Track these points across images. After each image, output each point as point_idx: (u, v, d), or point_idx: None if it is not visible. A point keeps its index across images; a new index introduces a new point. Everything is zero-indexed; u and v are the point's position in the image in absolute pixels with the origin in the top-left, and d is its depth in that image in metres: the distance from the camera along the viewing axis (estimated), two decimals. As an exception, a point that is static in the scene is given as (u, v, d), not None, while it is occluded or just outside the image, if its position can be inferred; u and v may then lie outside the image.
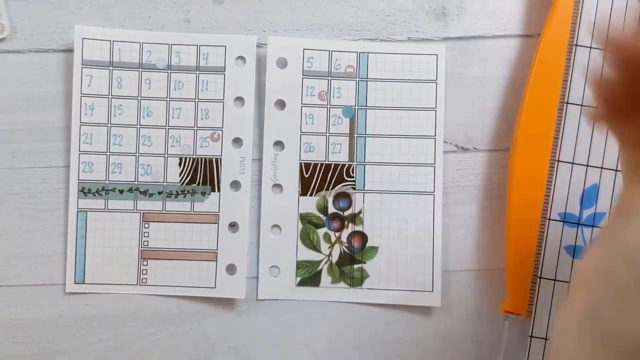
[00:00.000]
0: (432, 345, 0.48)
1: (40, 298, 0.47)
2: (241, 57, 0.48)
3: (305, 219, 0.48)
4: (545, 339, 0.45)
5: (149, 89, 0.48)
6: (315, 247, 0.48)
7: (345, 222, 0.48)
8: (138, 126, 0.48)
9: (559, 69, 0.46)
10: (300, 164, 0.48)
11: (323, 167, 0.48)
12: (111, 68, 0.47)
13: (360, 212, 0.48)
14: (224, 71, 0.48)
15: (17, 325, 0.47)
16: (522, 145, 0.46)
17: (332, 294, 0.48)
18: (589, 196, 0.46)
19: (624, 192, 0.32)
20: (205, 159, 0.48)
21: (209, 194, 0.48)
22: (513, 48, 0.49)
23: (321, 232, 0.48)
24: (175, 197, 0.48)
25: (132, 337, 0.48)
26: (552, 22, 0.46)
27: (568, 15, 0.46)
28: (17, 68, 0.48)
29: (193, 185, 0.48)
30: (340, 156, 0.48)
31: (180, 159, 0.48)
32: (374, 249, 0.48)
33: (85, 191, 0.47)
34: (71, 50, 0.47)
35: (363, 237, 0.48)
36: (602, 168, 0.46)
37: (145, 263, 0.47)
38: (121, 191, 0.47)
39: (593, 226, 0.45)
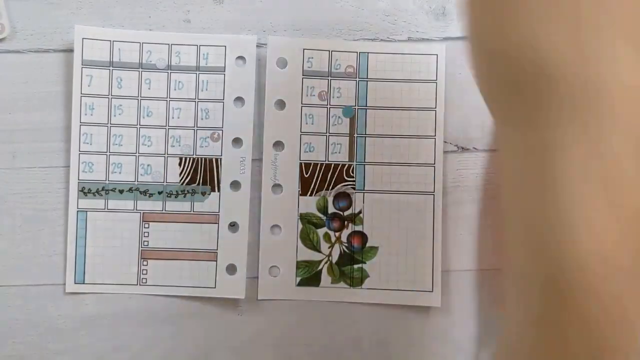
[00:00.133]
0: (432, 345, 0.48)
1: (40, 298, 0.47)
2: (241, 57, 0.48)
3: (305, 219, 0.48)
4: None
5: (149, 89, 0.48)
6: (315, 247, 0.48)
7: (345, 222, 0.48)
8: (138, 126, 0.48)
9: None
10: (300, 164, 0.48)
11: (323, 167, 0.48)
12: (111, 68, 0.47)
13: (360, 212, 0.48)
14: (224, 71, 0.48)
15: (17, 325, 0.47)
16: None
17: (332, 294, 0.48)
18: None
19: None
20: (205, 159, 0.48)
21: (209, 194, 0.48)
22: (513, 48, 0.49)
23: (321, 232, 0.48)
24: (175, 197, 0.48)
25: (132, 337, 0.48)
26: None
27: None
28: (17, 68, 0.48)
29: (193, 185, 0.48)
30: (340, 156, 0.48)
31: (180, 159, 0.48)
32: (374, 249, 0.48)
33: (85, 191, 0.47)
34: (71, 50, 0.47)
35: (363, 237, 0.48)
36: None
37: (145, 263, 0.47)
38: (121, 191, 0.47)
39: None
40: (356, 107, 0.48)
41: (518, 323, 0.27)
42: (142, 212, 0.48)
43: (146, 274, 0.47)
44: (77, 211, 0.47)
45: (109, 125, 0.48)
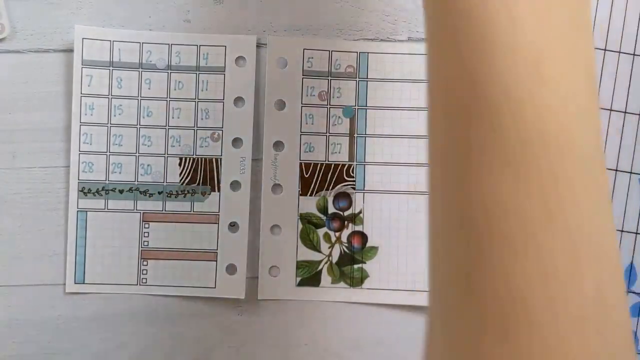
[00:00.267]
0: (432, 345, 0.48)
1: (40, 298, 0.47)
2: (241, 57, 0.48)
3: (305, 219, 0.48)
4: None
5: (149, 89, 0.48)
6: (315, 247, 0.48)
7: (345, 222, 0.48)
8: (138, 126, 0.48)
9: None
10: (300, 164, 0.48)
11: (323, 167, 0.48)
12: (111, 68, 0.47)
13: (360, 212, 0.48)
14: (224, 71, 0.48)
15: (17, 325, 0.47)
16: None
17: (332, 294, 0.48)
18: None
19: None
20: (205, 159, 0.48)
21: (209, 194, 0.48)
22: (513, 48, 0.49)
23: (321, 232, 0.48)
24: (175, 197, 0.48)
25: (132, 337, 0.48)
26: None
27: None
28: (17, 68, 0.48)
29: (193, 185, 0.48)
30: (340, 156, 0.48)
31: (180, 159, 0.48)
32: (374, 249, 0.48)
33: (85, 191, 0.47)
34: (71, 50, 0.47)
35: (363, 237, 0.48)
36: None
37: (145, 263, 0.47)
38: (121, 191, 0.47)
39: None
40: (356, 107, 0.48)
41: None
42: (142, 212, 0.48)
43: (146, 274, 0.47)
44: (77, 211, 0.47)
45: (109, 125, 0.48)
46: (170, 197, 0.48)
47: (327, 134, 0.48)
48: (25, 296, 0.47)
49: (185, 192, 0.48)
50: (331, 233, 0.48)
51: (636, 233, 0.47)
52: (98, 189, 0.47)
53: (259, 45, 0.48)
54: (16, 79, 0.48)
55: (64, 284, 0.47)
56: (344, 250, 0.48)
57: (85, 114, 0.47)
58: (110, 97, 0.48)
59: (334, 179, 0.48)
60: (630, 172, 0.47)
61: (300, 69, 0.48)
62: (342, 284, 0.48)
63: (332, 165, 0.48)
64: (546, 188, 0.23)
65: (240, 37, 0.48)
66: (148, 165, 0.48)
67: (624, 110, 0.48)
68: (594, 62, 0.26)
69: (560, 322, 0.23)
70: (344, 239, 0.48)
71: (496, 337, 0.24)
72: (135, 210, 0.47)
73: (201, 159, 0.48)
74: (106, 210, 0.47)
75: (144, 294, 0.47)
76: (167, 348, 0.48)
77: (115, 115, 0.48)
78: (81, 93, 0.47)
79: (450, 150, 0.26)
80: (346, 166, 0.48)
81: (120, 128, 0.48)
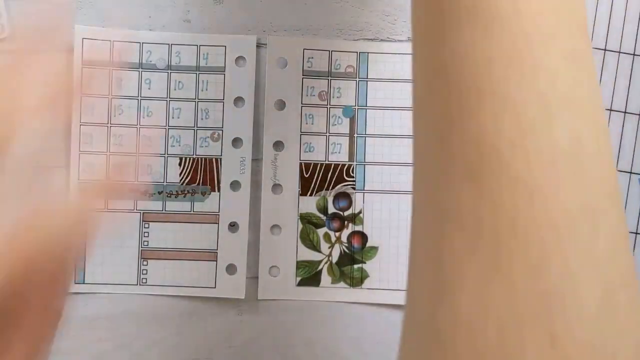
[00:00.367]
0: (432, 345, 0.48)
1: (40, 298, 0.47)
2: (241, 57, 0.48)
3: (305, 219, 0.48)
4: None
5: (149, 89, 0.48)
6: (315, 247, 0.48)
7: (345, 222, 0.48)
8: (138, 126, 0.48)
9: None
10: (300, 164, 0.48)
11: (323, 167, 0.48)
12: (111, 68, 0.47)
13: (360, 212, 0.48)
14: (224, 71, 0.48)
15: (17, 325, 0.47)
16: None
17: (332, 294, 0.48)
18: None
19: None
20: (205, 159, 0.48)
21: (209, 194, 0.48)
22: (513, 48, 0.49)
23: (321, 232, 0.48)
24: (175, 197, 0.48)
25: (132, 337, 0.48)
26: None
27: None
28: (17, 68, 0.48)
29: (193, 185, 0.48)
30: (340, 156, 0.48)
31: (180, 159, 0.48)
32: (374, 249, 0.48)
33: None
34: (71, 50, 0.47)
35: (363, 237, 0.48)
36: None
37: (145, 263, 0.47)
38: (121, 191, 0.47)
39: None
40: (356, 107, 0.48)
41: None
42: (142, 212, 0.48)
43: (146, 274, 0.47)
44: (77, 211, 0.47)
45: (109, 125, 0.48)
46: (170, 197, 0.48)
47: (327, 134, 0.48)
48: (25, 296, 0.47)
49: (185, 192, 0.48)
50: (331, 233, 0.48)
51: (636, 233, 0.47)
52: (98, 189, 0.47)
53: (259, 45, 0.48)
54: (16, 79, 0.48)
55: (64, 284, 0.47)
56: (344, 250, 0.48)
57: (85, 114, 0.47)
58: (110, 97, 0.48)
59: (334, 179, 0.48)
60: (630, 172, 0.47)
61: (300, 69, 0.48)
62: (342, 284, 0.48)
63: (332, 165, 0.48)
64: (518, 41, 0.24)
65: (240, 37, 0.48)
66: (148, 165, 0.48)
67: (624, 110, 0.48)
68: None
69: (531, 165, 0.23)
70: (344, 239, 0.48)
71: (465, 177, 0.24)
72: (135, 210, 0.47)
73: (201, 159, 0.48)
74: (106, 210, 0.47)
75: (144, 294, 0.47)
76: (167, 348, 0.48)
77: (115, 115, 0.48)
78: (81, 93, 0.47)
79: (428, 14, 0.27)
80: (346, 166, 0.48)
81: (120, 128, 0.48)
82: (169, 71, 0.48)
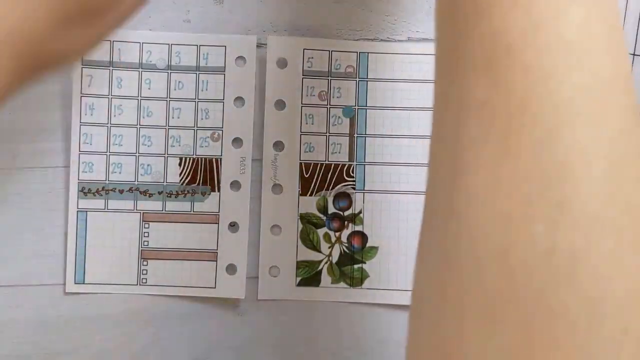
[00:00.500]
0: (432, 345, 0.48)
1: (40, 298, 0.47)
2: (241, 57, 0.48)
3: (305, 219, 0.48)
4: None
5: (149, 89, 0.48)
6: (315, 247, 0.48)
7: (345, 222, 0.48)
8: (138, 126, 0.48)
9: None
10: (300, 164, 0.48)
11: (323, 167, 0.48)
12: (111, 68, 0.47)
13: (360, 212, 0.48)
14: (224, 71, 0.48)
15: (17, 325, 0.47)
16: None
17: (332, 294, 0.48)
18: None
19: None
20: (205, 159, 0.48)
21: (209, 194, 0.48)
22: (513, 48, 0.49)
23: (321, 232, 0.48)
24: (175, 197, 0.48)
25: (132, 337, 0.48)
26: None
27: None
28: (17, 68, 0.48)
29: (193, 185, 0.48)
30: (340, 156, 0.48)
31: (180, 159, 0.48)
32: (374, 249, 0.48)
33: (85, 191, 0.47)
34: (71, 50, 0.47)
35: (363, 237, 0.48)
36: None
37: (145, 263, 0.47)
38: (121, 191, 0.47)
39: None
40: (356, 107, 0.48)
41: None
42: (142, 212, 0.48)
43: (146, 274, 0.47)
44: (77, 211, 0.47)
45: (109, 125, 0.48)
46: (170, 197, 0.48)
47: (327, 134, 0.48)
48: (25, 296, 0.47)
49: (185, 192, 0.48)
50: (331, 233, 0.48)
51: None
52: (98, 189, 0.47)
53: (259, 45, 0.48)
54: (16, 79, 0.48)
55: (64, 284, 0.47)
56: (344, 250, 0.48)
57: (85, 114, 0.47)
58: (110, 97, 0.48)
59: (334, 179, 0.48)
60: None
61: (300, 69, 0.48)
62: (342, 284, 0.48)
63: (332, 165, 0.48)
64: None
65: (240, 37, 0.48)
66: (148, 165, 0.48)
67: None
68: None
69: (542, 54, 0.24)
70: (344, 239, 0.48)
71: (481, 70, 0.26)
72: (135, 210, 0.47)
73: (201, 159, 0.48)
74: (106, 210, 0.47)
75: (144, 294, 0.48)
76: (167, 348, 0.48)
77: (115, 115, 0.48)
78: (81, 93, 0.47)
79: None
80: (346, 166, 0.48)
81: (120, 128, 0.48)
82: (169, 71, 0.48)
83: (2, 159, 0.48)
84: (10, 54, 0.29)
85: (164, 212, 0.48)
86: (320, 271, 0.48)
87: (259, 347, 0.48)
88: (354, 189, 0.48)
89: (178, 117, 0.48)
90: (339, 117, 0.48)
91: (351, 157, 0.48)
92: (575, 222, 0.23)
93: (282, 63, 0.48)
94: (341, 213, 0.48)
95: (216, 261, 0.47)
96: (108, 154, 0.48)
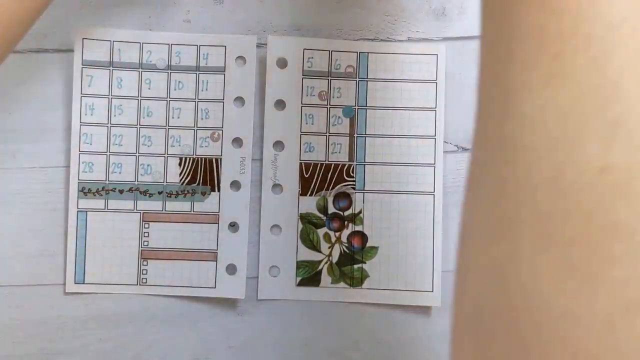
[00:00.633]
0: (432, 345, 0.48)
1: (40, 298, 0.47)
2: (241, 57, 0.48)
3: (305, 219, 0.48)
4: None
5: (149, 89, 0.48)
6: (315, 247, 0.48)
7: (345, 222, 0.48)
8: (138, 126, 0.48)
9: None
10: (300, 164, 0.48)
11: (323, 167, 0.48)
12: (111, 68, 0.47)
13: (360, 212, 0.48)
14: (224, 71, 0.48)
15: (17, 325, 0.47)
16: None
17: (332, 294, 0.48)
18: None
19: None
20: (205, 159, 0.48)
21: (209, 194, 0.48)
22: (513, 48, 0.49)
23: (321, 232, 0.48)
24: (175, 197, 0.48)
25: (132, 337, 0.48)
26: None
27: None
28: (17, 68, 0.48)
29: (193, 185, 0.48)
30: (340, 156, 0.48)
31: (180, 159, 0.48)
32: (374, 249, 0.48)
33: (85, 191, 0.47)
34: (71, 50, 0.47)
35: (363, 237, 0.48)
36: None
37: (145, 263, 0.47)
38: (121, 191, 0.47)
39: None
40: (356, 107, 0.48)
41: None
42: (142, 212, 0.48)
43: (146, 274, 0.47)
44: (77, 211, 0.47)
45: (109, 125, 0.48)
46: (170, 197, 0.48)
47: (327, 134, 0.48)
48: (25, 296, 0.47)
49: (185, 192, 0.48)
50: (331, 233, 0.48)
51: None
52: (98, 189, 0.47)
53: (259, 45, 0.48)
54: (16, 79, 0.48)
55: (64, 284, 0.47)
56: (344, 250, 0.48)
57: (85, 114, 0.47)
58: (110, 97, 0.48)
59: (334, 179, 0.48)
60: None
61: (300, 69, 0.48)
62: (342, 284, 0.48)
63: (332, 165, 0.48)
64: None
65: (240, 37, 0.48)
66: (148, 165, 0.48)
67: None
68: None
69: None
70: (344, 239, 0.48)
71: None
72: (135, 210, 0.47)
73: (201, 159, 0.48)
74: (106, 210, 0.47)
75: (144, 294, 0.48)
76: (167, 348, 0.48)
77: (115, 115, 0.48)
78: (81, 93, 0.47)
79: None
80: (346, 166, 0.48)
81: (120, 128, 0.48)
82: (169, 71, 0.48)
83: (2, 159, 0.48)
84: None
85: (164, 212, 0.48)
86: (320, 271, 0.48)
87: (259, 347, 0.48)
88: (354, 189, 0.48)
89: (178, 117, 0.48)
90: (339, 117, 0.48)
91: (351, 157, 0.48)
92: (630, 140, 0.23)
93: (282, 63, 0.48)
94: (341, 213, 0.48)
95: (216, 261, 0.47)
96: (108, 154, 0.48)
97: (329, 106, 0.48)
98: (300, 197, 0.48)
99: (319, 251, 0.48)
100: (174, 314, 0.48)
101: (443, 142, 0.48)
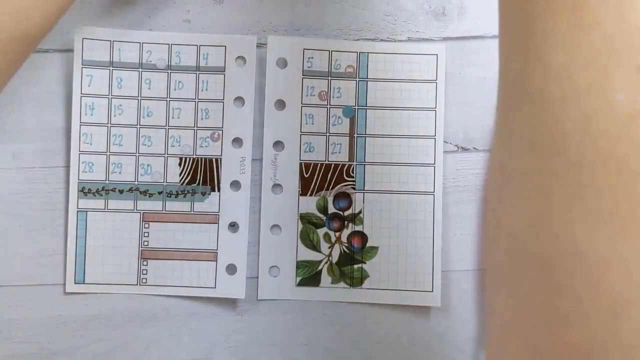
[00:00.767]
0: (432, 345, 0.48)
1: (40, 298, 0.47)
2: (241, 57, 0.48)
3: (305, 219, 0.48)
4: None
5: (149, 89, 0.48)
6: (315, 247, 0.48)
7: (345, 222, 0.48)
8: (138, 126, 0.48)
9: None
10: (300, 164, 0.48)
11: (323, 167, 0.48)
12: (111, 68, 0.47)
13: (360, 212, 0.48)
14: (224, 71, 0.48)
15: (17, 325, 0.47)
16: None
17: (332, 294, 0.48)
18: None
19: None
20: (205, 159, 0.48)
21: (209, 194, 0.48)
22: (513, 48, 0.49)
23: (321, 232, 0.48)
24: (175, 197, 0.48)
25: (132, 337, 0.48)
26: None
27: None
28: (17, 68, 0.48)
29: (193, 185, 0.48)
30: (340, 156, 0.48)
31: (180, 159, 0.48)
32: (374, 249, 0.48)
33: (85, 191, 0.47)
34: (71, 50, 0.47)
35: (363, 237, 0.48)
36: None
37: (145, 263, 0.47)
38: (121, 191, 0.47)
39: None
40: (356, 107, 0.48)
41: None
42: (142, 212, 0.48)
43: (146, 274, 0.47)
44: (77, 211, 0.47)
45: (109, 125, 0.48)
46: (170, 197, 0.48)
47: (327, 134, 0.48)
48: (25, 296, 0.47)
49: (185, 192, 0.48)
50: (331, 233, 0.48)
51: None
52: (98, 189, 0.47)
53: (259, 45, 0.48)
54: (16, 79, 0.48)
55: (64, 284, 0.47)
56: (344, 250, 0.48)
57: (85, 114, 0.47)
58: (110, 97, 0.48)
59: (334, 179, 0.48)
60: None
61: (300, 69, 0.48)
62: (342, 284, 0.48)
63: (332, 165, 0.48)
64: None
65: (240, 37, 0.48)
66: (148, 165, 0.48)
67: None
68: None
69: None
70: (344, 239, 0.48)
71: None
72: (135, 210, 0.47)
73: (201, 159, 0.48)
74: (106, 210, 0.47)
75: (144, 294, 0.48)
76: (167, 348, 0.48)
77: (115, 115, 0.48)
78: (81, 93, 0.47)
79: None
80: (346, 166, 0.48)
81: (120, 128, 0.48)
82: (169, 71, 0.48)
83: (2, 159, 0.48)
84: None
85: (164, 212, 0.48)
86: (320, 271, 0.48)
87: (259, 347, 0.48)
88: (354, 189, 0.48)
89: (178, 117, 0.48)
90: (339, 117, 0.48)
91: (351, 157, 0.48)
92: None
93: (282, 63, 0.48)
94: (341, 213, 0.48)
95: (216, 261, 0.47)
96: (108, 154, 0.48)
97: (329, 106, 0.48)
98: (300, 197, 0.48)
99: (319, 251, 0.48)
100: (174, 314, 0.48)
101: (443, 142, 0.48)
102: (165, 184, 0.48)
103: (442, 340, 0.48)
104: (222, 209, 0.48)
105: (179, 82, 0.48)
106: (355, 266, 0.48)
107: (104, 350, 0.48)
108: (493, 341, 0.27)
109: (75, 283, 0.47)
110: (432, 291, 0.47)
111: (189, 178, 0.48)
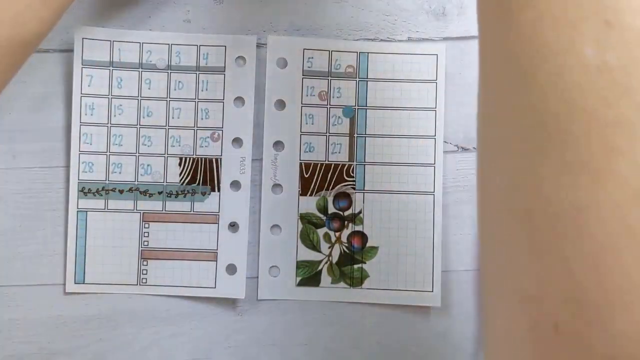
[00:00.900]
0: (432, 345, 0.48)
1: (40, 298, 0.47)
2: (241, 57, 0.48)
3: (305, 219, 0.48)
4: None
5: (149, 89, 0.48)
6: (315, 247, 0.48)
7: (345, 222, 0.48)
8: (138, 126, 0.48)
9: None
10: (300, 164, 0.48)
11: (323, 167, 0.48)
12: (111, 68, 0.47)
13: (360, 212, 0.48)
14: (224, 71, 0.48)
15: (17, 325, 0.47)
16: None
17: (332, 294, 0.48)
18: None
19: None
20: (205, 159, 0.48)
21: (209, 194, 0.48)
22: (513, 48, 0.49)
23: (321, 232, 0.48)
24: (175, 197, 0.48)
25: (132, 337, 0.48)
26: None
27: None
28: (17, 68, 0.48)
29: (193, 185, 0.48)
30: (340, 156, 0.48)
31: (180, 159, 0.48)
32: (374, 249, 0.48)
33: (85, 191, 0.47)
34: (71, 50, 0.47)
35: (363, 237, 0.48)
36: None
37: (145, 263, 0.47)
38: (121, 191, 0.47)
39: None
40: (356, 107, 0.48)
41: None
42: (142, 212, 0.48)
43: (146, 274, 0.47)
44: (77, 211, 0.47)
45: (109, 125, 0.48)
46: (170, 197, 0.48)
47: (327, 134, 0.48)
48: (25, 296, 0.47)
49: (185, 192, 0.48)
50: (331, 233, 0.48)
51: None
52: (98, 189, 0.47)
53: (259, 45, 0.48)
54: (16, 79, 0.48)
55: (64, 284, 0.47)
56: (344, 250, 0.48)
57: (85, 114, 0.47)
58: (110, 97, 0.48)
59: (334, 179, 0.48)
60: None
61: (300, 69, 0.48)
62: (342, 284, 0.48)
63: (332, 165, 0.48)
64: None
65: (240, 37, 0.48)
66: (148, 165, 0.48)
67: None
68: None
69: None
70: (344, 239, 0.48)
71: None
72: (135, 210, 0.47)
73: (201, 159, 0.48)
74: (106, 210, 0.47)
75: (144, 294, 0.48)
76: (167, 348, 0.48)
77: (115, 115, 0.48)
78: (81, 93, 0.47)
79: None
80: (346, 166, 0.48)
81: (120, 128, 0.48)
82: (169, 71, 0.48)
83: (2, 159, 0.48)
84: None
85: (164, 212, 0.48)
86: (320, 271, 0.48)
87: (259, 347, 0.48)
88: (354, 189, 0.48)
89: (178, 117, 0.48)
90: (339, 117, 0.48)
91: (351, 157, 0.48)
92: (624, 38, 0.23)
93: (282, 63, 0.48)
94: (341, 213, 0.48)
95: (216, 261, 0.47)
96: (108, 154, 0.48)
97: (329, 106, 0.48)
98: (300, 197, 0.48)
99: (319, 251, 0.48)
100: (174, 314, 0.48)
101: (443, 142, 0.48)
102: (165, 184, 0.48)
103: (442, 340, 0.48)
104: (222, 209, 0.48)
105: (179, 82, 0.48)
106: (355, 266, 0.48)
107: (104, 350, 0.48)
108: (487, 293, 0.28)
109: (75, 283, 0.47)
110: (432, 291, 0.47)
111: (189, 178, 0.48)
